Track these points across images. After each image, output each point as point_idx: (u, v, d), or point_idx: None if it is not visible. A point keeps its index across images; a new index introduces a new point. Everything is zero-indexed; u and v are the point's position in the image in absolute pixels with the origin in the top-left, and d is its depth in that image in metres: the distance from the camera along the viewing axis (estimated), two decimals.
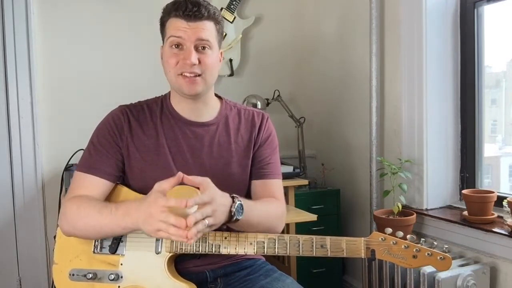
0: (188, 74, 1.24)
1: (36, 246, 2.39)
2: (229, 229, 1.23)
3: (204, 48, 1.24)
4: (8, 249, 2.35)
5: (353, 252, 1.15)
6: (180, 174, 1.10)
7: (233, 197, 1.17)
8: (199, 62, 1.23)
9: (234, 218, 1.15)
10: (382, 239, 1.15)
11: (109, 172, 1.26)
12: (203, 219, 1.06)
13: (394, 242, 1.14)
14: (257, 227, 1.24)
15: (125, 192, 1.29)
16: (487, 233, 1.80)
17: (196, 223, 1.04)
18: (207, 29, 1.24)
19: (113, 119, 1.31)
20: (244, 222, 1.19)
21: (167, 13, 1.25)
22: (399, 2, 2.17)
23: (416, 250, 1.13)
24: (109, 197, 1.28)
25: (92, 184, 1.24)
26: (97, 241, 1.24)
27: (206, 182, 1.11)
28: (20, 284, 2.38)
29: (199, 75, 1.24)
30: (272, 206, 1.33)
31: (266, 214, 1.29)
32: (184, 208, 1.04)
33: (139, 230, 1.12)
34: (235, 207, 1.15)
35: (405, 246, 1.14)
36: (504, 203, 1.80)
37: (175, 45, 1.24)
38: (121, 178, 1.32)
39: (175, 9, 1.22)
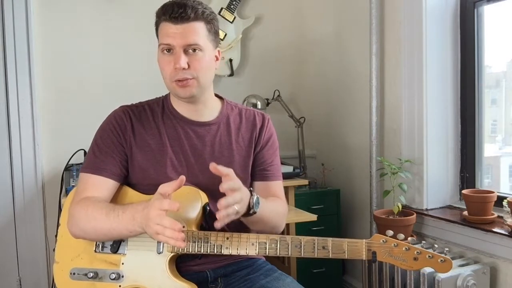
0: (180, 79, 1.23)
1: (36, 246, 2.38)
2: (230, 229, 1.24)
3: (195, 50, 1.23)
4: (8, 249, 2.35)
5: (355, 254, 1.15)
6: (182, 177, 1.10)
7: (250, 191, 1.19)
8: (189, 66, 1.22)
9: (252, 211, 1.17)
10: (383, 241, 1.15)
11: (115, 172, 1.27)
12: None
13: (395, 244, 1.14)
14: (267, 222, 1.27)
15: (130, 194, 1.29)
16: (487, 233, 1.80)
17: (227, 207, 1.08)
18: (196, 31, 1.22)
19: (116, 119, 1.31)
20: (258, 217, 1.21)
21: (158, 17, 1.26)
22: (399, 2, 2.18)
23: (417, 252, 1.14)
24: (115, 199, 1.28)
25: (99, 185, 1.25)
26: None
27: (232, 172, 1.14)
28: (20, 284, 2.38)
29: (191, 79, 1.24)
30: (278, 204, 1.37)
31: (276, 210, 1.33)
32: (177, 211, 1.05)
33: (145, 233, 1.13)
34: (254, 200, 1.18)
35: (406, 248, 1.14)
36: (504, 203, 1.80)
37: (166, 49, 1.24)
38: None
39: (163, 13, 1.23)
